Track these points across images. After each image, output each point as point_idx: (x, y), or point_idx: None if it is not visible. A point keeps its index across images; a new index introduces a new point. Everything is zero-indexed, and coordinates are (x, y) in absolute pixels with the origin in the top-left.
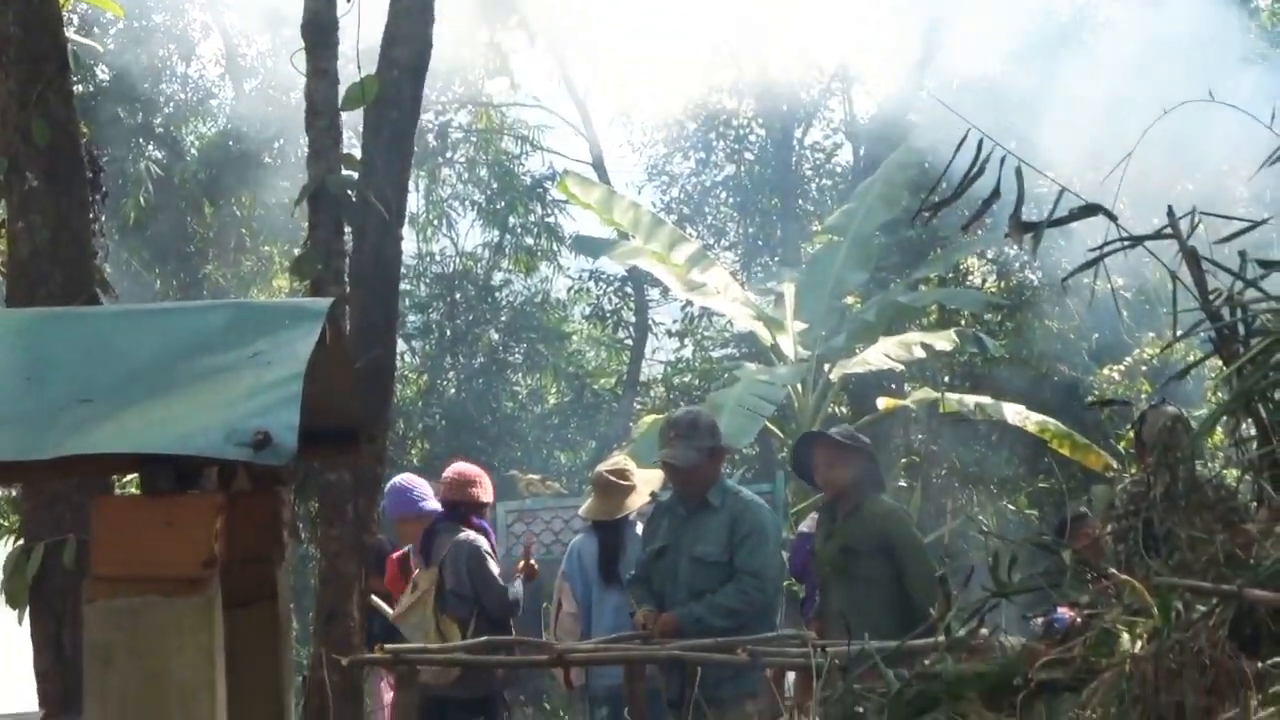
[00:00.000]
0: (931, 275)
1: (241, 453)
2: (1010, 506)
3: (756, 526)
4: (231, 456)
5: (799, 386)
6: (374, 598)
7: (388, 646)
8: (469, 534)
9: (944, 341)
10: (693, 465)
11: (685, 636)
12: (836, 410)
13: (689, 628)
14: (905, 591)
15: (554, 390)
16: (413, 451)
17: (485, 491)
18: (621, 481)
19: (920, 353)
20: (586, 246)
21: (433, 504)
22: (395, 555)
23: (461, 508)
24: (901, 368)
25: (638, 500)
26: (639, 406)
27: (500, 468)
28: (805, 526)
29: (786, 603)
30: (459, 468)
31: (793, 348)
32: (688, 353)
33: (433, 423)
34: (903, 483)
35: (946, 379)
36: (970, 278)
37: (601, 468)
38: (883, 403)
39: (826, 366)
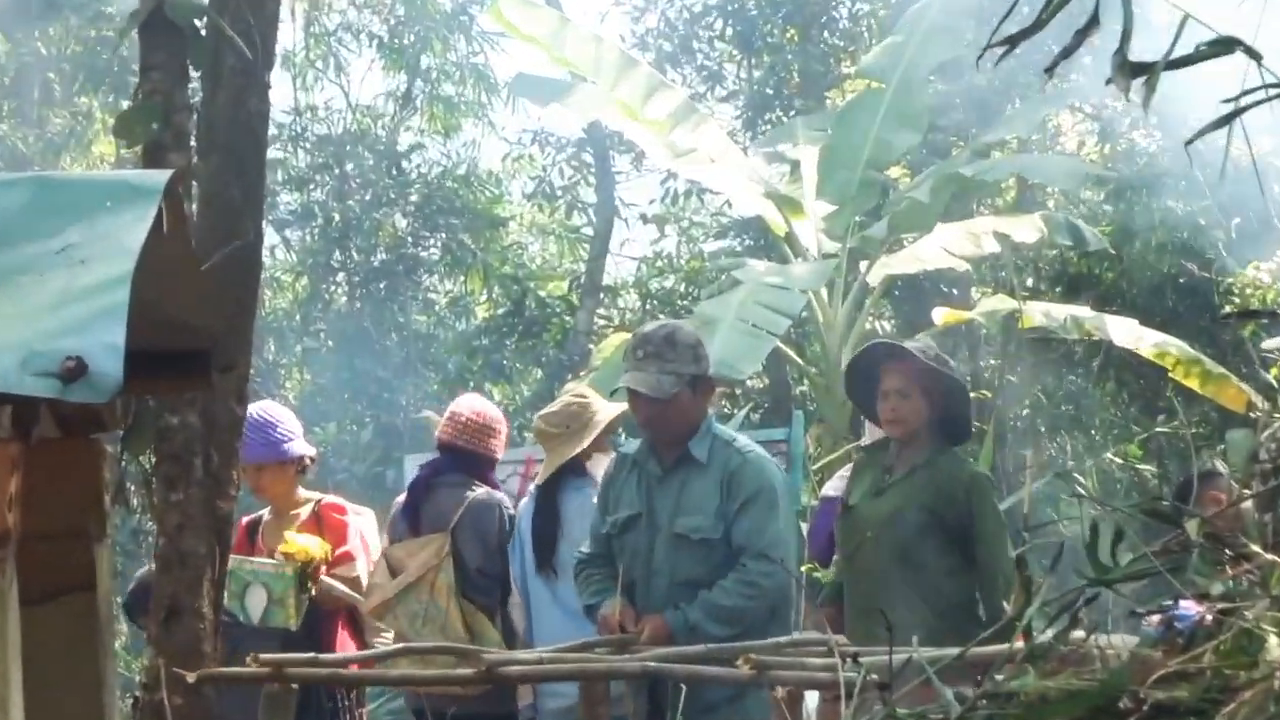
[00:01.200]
0: (1008, 138)
1: (44, 386)
2: (1115, 459)
3: (761, 488)
4: (29, 391)
5: (824, 293)
6: (326, 576)
7: (264, 657)
8: (489, 491)
9: (1025, 230)
10: (667, 397)
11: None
12: (877, 326)
13: (682, 638)
14: (971, 580)
15: (484, 299)
16: (287, 384)
17: (503, 447)
18: (554, 428)
19: (992, 245)
20: (530, 91)
21: (301, 446)
22: (244, 521)
23: (475, 461)
24: (967, 267)
25: (589, 438)
26: (602, 322)
27: (409, 407)
28: (831, 488)
29: (805, 592)
30: (478, 406)
31: (815, 238)
32: (669, 245)
33: (315, 344)
34: None
35: (1029, 283)
36: (1061, 141)
37: (546, 411)
38: (940, 316)
39: (862, 265)
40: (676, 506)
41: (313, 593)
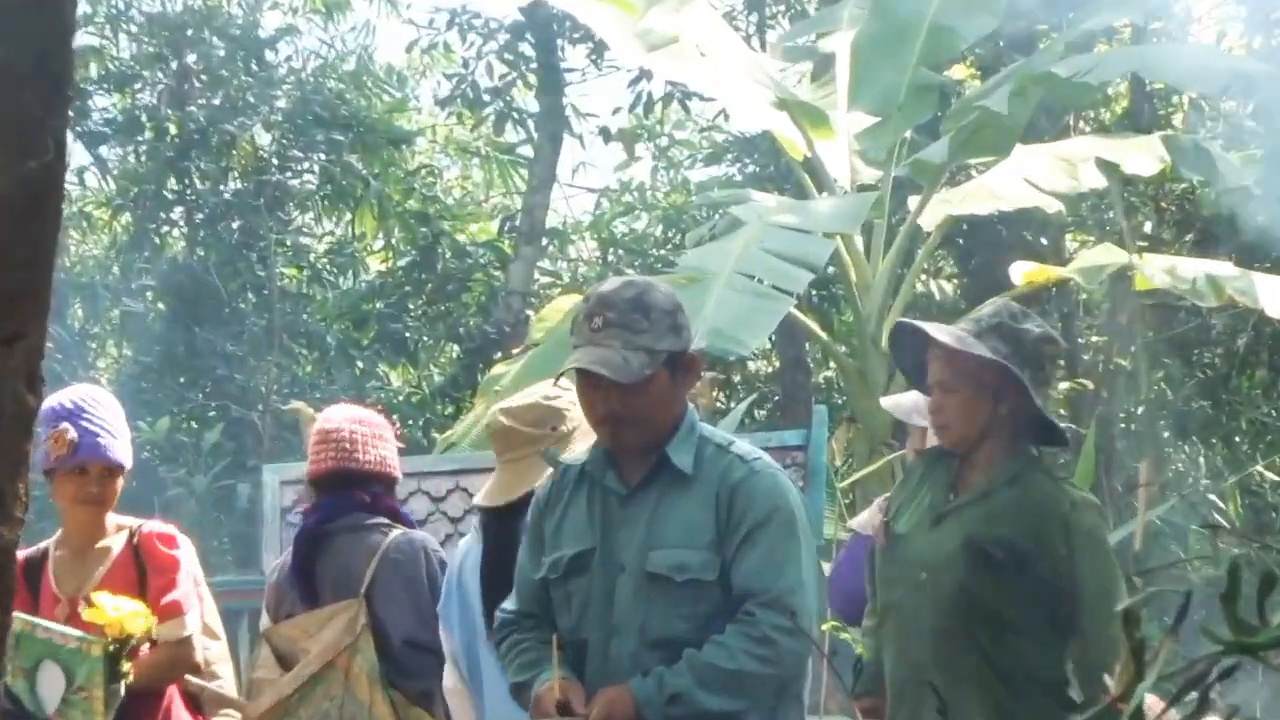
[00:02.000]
0: (1118, 24)
1: None
2: (1267, 475)
3: (776, 509)
4: None
5: (858, 241)
6: (191, 677)
7: None
8: (406, 532)
9: (1141, 156)
10: (636, 380)
11: None
12: (932, 286)
13: (658, 713)
14: (1063, 647)
15: (380, 247)
16: (99, 363)
17: (395, 453)
18: (530, 428)
19: (1094, 177)
20: None
21: (122, 447)
22: (21, 558)
23: (375, 488)
24: (1059, 207)
25: (585, 444)
26: (545, 279)
27: (272, 397)
28: (864, 521)
29: (830, 656)
30: (353, 412)
31: (847, 164)
32: (640, 173)
33: (139, 307)
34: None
35: (1147, 228)
36: (1194, 30)
37: (514, 406)
38: (1021, 274)
39: (912, 202)
40: (650, 536)
41: (129, 680)
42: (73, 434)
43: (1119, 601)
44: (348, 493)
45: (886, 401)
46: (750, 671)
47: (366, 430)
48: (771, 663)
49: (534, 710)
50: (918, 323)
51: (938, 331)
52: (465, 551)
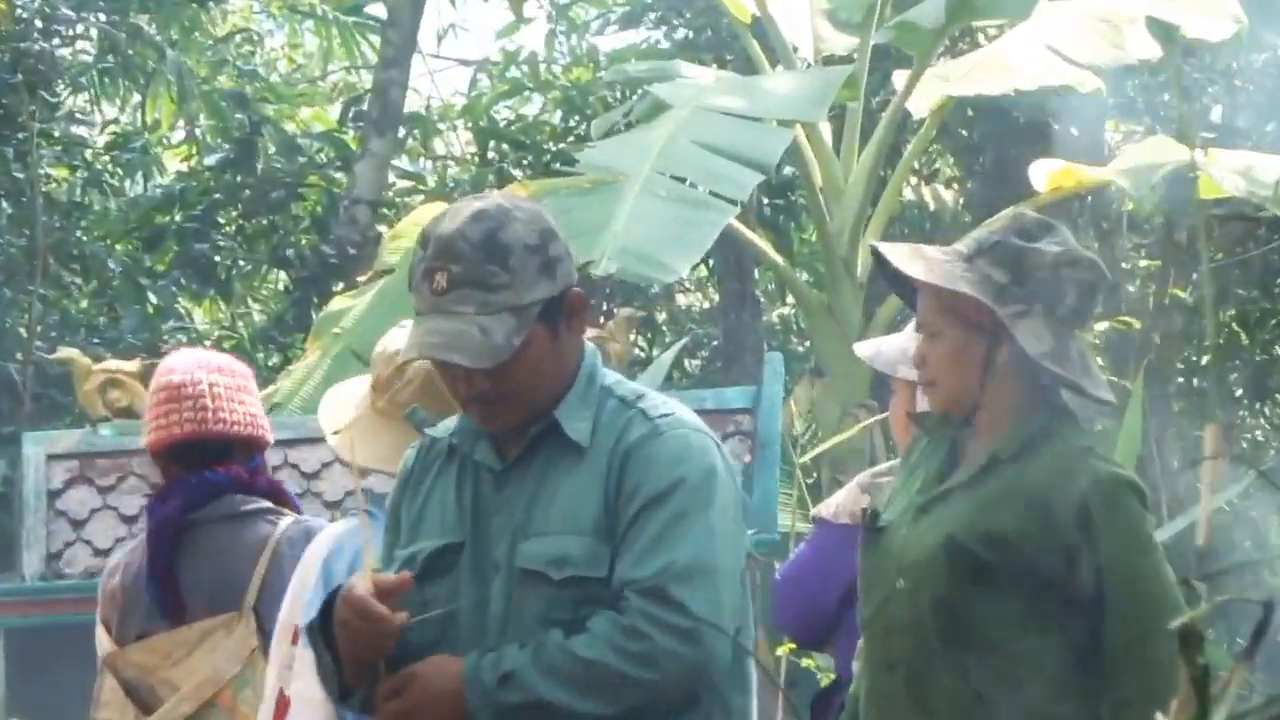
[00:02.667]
0: None
1: None
2: None
3: (681, 480)
4: None
5: (825, 131)
6: None
7: None
8: (298, 520)
9: (1207, 17)
10: (503, 357)
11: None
12: (925, 193)
13: (482, 693)
14: (1087, 675)
15: (181, 138)
16: None
17: (262, 409)
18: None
19: (1144, 45)
20: None
21: None
22: None
23: (252, 458)
24: (1097, 85)
25: None
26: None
27: (35, 343)
28: (838, 504)
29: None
30: (203, 358)
31: (809, 28)
32: (532, 39)
33: None
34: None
35: (1213, 116)
36: None
37: (388, 344)
38: (1045, 174)
39: (898, 79)
40: (527, 521)
41: None
42: None
43: (1165, 614)
44: (214, 467)
45: (863, 348)
46: (608, 667)
47: (230, 382)
48: (640, 662)
49: (339, 610)
50: (883, 245)
51: (902, 257)
52: (340, 545)
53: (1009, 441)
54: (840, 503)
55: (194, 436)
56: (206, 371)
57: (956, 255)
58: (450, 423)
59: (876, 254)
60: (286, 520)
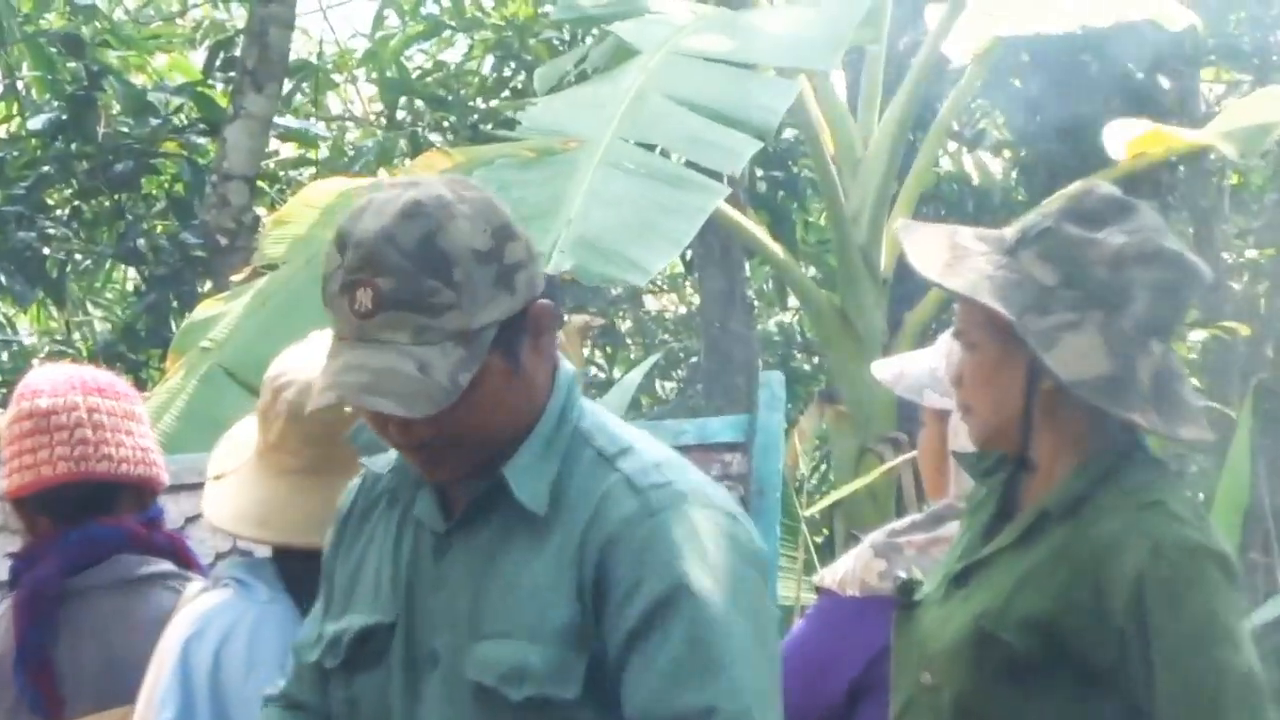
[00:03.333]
0: None
1: None
2: None
3: (678, 580)
4: None
5: (838, 85)
6: None
7: None
8: (205, 586)
9: None
10: (446, 402)
11: None
12: (968, 162)
13: None
14: None
15: None
16: None
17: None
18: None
19: None
20: None
21: None
22: None
23: (124, 502)
24: (1192, 21)
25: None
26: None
27: None
28: (834, 575)
29: None
30: (74, 375)
31: None
32: None
33: None
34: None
35: None
36: None
37: (292, 372)
38: (1123, 137)
39: (931, 15)
40: (476, 615)
41: None
42: None
43: (1233, 702)
44: (98, 519)
45: (882, 369)
46: None
47: (115, 406)
48: None
49: None
50: (907, 227)
51: (922, 246)
52: (205, 626)
53: (1062, 493)
54: (849, 570)
55: (72, 479)
56: (84, 393)
57: (997, 244)
58: (386, 460)
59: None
60: (194, 587)
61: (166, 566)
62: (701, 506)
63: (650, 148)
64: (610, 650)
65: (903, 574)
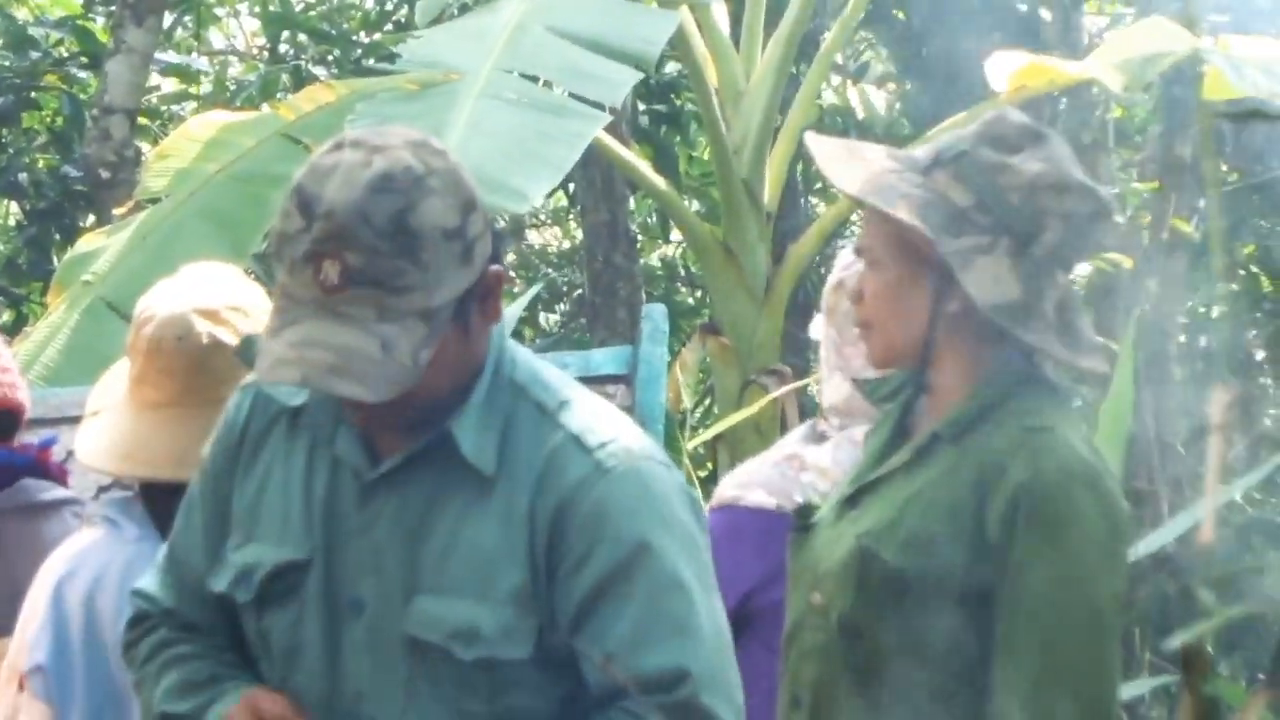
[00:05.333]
0: None
1: None
2: None
3: (637, 544)
4: None
5: (719, 13)
6: None
7: None
8: (96, 516)
9: None
10: (408, 384)
11: None
12: (852, 94)
13: None
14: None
15: None
16: None
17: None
18: (203, 330)
19: None
20: None
21: None
22: None
23: (12, 430)
24: None
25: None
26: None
27: None
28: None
29: None
30: None
31: None
32: None
33: None
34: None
35: None
36: None
37: (154, 306)
38: (1006, 69)
39: None
40: (414, 569)
41: None
42: None
43: (1074, 671)
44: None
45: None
46: None
47: None
48: None
49: None
50: (816, 139)
51: (835, 157)
52: (76, 566)
53: (954, 415)
54: (748, 479)
55: None
56: None
57: (910, 164)
58: (295, 387)
59: (804, 151)
60: (72, 508)
61: (68, 493)
62: (648, 460)
63: (531, 79)
64: (565, 612)
65: (799, 498)
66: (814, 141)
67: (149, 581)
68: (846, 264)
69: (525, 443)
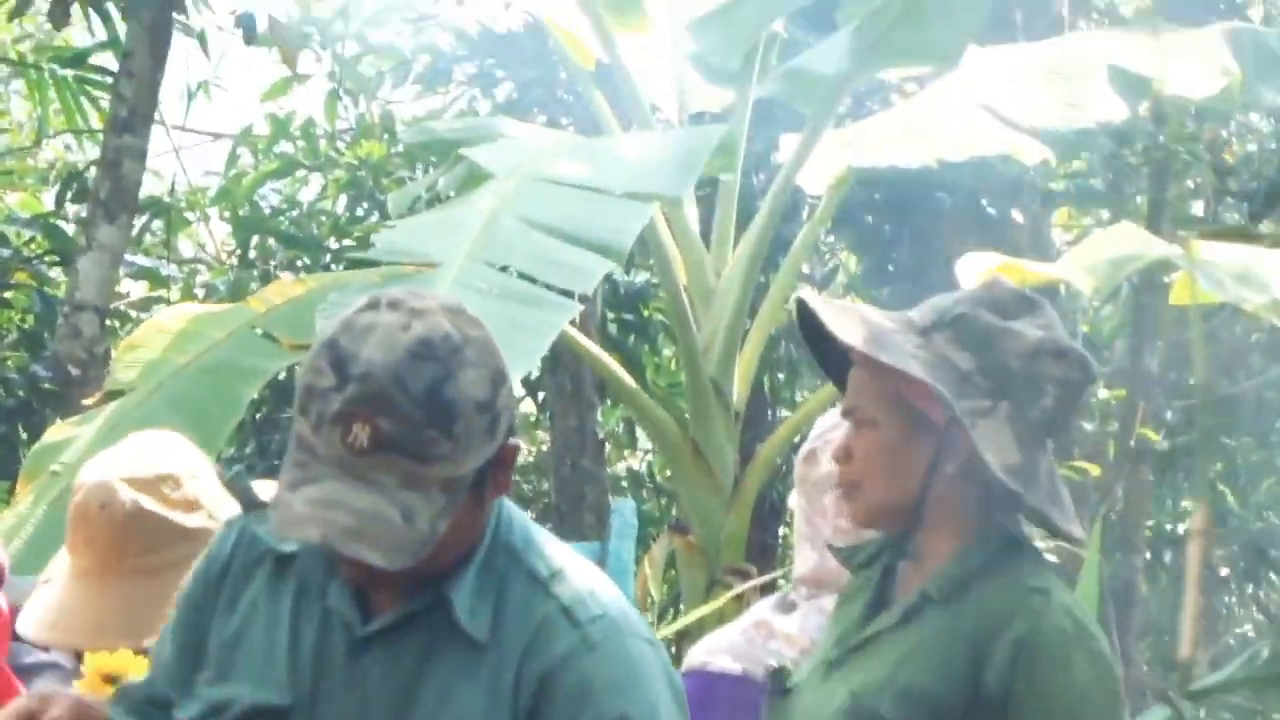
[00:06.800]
0: None
1: None
2: None
3: (626, 713)
4: None
5: (689, 215)
6: None
7: None
8: (50, 661)
9: (1191, 65)
10: (419, 552)
11: None
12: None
13: None
14: None
15: None
16: None
17: None
18: (173, 513)
19: (1107, 103)
20: None
21: None
22: None
23: None
24: (1045, 155)
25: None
26: (138, 283)
27: None
28: (720, 648)
29: None
30: None
31: (674, 79)
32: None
33: None
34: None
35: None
36: None
37: (86, 474)
38: (976, 272)
39: (787, 145)
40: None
41: None
42: None
43: None
44: None
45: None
46: None
47: None
48: None
49: None
50: (813, 299)
51: (837, 316)
52: None
53: (944, 577)
54: (726, 644)
55: None
56: None
57: (907, 325)
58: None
59: (803, 309)
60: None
61: (50, 656)
62: (634, 638)
63: (500, 268)
64: None
65: (773, 662)
66: (811, 299)
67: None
68: (819, 433)
69: (516, 610)
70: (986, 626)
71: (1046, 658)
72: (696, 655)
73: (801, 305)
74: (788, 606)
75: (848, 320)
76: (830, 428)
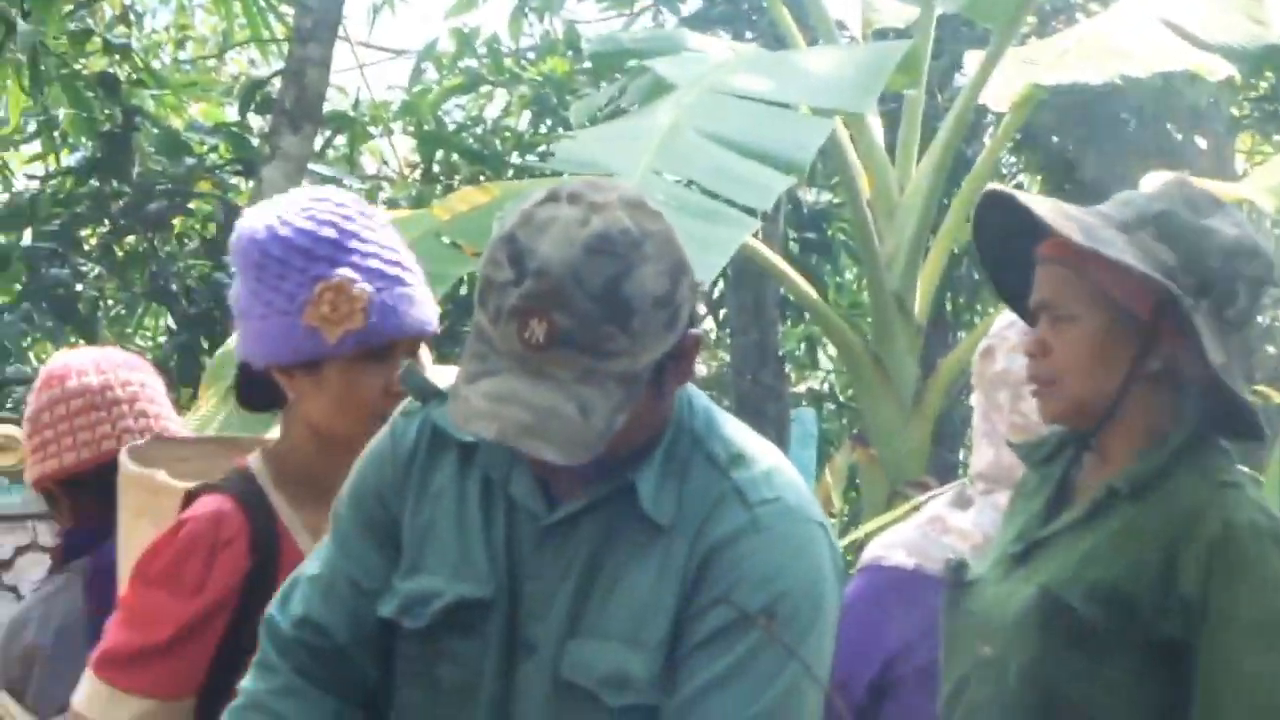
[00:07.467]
0: None
1: None
2: None
3: (773, 597)
4: None
5: (875, 126)
6: None
7: None
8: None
9: None
10: (596, 447)
11: None
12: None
13: None
14: None
15: (32, 131)
16: None
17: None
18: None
19: None
20: None
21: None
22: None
23: None
24: (1230, 72)
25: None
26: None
27: None
28: (898, 543)
29: None
30: (106, 354)
31: None
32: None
33: None
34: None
35: None
36: None
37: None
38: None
39: (971, 61)
40: (578, 612)
41: None
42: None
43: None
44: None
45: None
46: None
47: (155, 383)
48: None
49: None
50: (1015, 193)
51: (1050, 212)
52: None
53: (1136, 473)
54: (901, 539)
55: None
56: (129, 370)
57: (1106, 220)
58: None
59: (998, 202)
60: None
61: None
62: (805, 522)
63: (683, 182)
64: (681, 645)
65: (950, 556)
66: (1017, 194)
67: (309, 609)
68: (996, 330)
69: (695, 493)
70: (1178, 523)
71: (1241, 552)
72: (872, 550)
73: (993, 199)
74: (964, 502)
75: (1055, 214)
76: (1007, 324)
